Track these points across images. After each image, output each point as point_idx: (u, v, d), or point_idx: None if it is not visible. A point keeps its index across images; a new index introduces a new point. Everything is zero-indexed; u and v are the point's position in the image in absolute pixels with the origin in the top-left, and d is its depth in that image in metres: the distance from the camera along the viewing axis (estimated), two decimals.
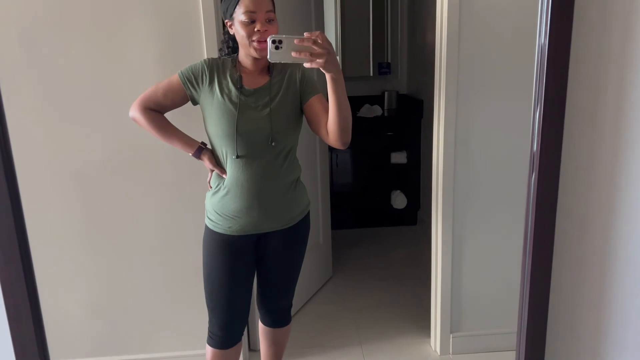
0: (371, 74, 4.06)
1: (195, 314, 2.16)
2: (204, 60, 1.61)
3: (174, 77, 1.59)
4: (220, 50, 1.71)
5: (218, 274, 1.66)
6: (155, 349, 2.23)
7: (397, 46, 4.04)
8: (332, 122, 1.49)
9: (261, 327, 1.93)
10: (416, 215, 3.91)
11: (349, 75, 3.99)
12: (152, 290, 2.17)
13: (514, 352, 2.27)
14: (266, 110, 1.56)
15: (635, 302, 0.94)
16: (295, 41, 1.30)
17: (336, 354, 2.36)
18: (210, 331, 1.74)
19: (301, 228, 1.75)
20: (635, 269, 0.87)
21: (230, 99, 1.56)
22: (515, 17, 2.01)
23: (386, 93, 3.97)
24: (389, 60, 4.05)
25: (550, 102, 0.73)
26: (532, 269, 0.79)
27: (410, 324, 2.57)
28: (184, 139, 1.66)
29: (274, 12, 1.53)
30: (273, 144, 1.58)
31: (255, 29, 1.48)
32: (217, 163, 1.63)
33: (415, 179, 3.84)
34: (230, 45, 1.66)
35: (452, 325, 2.31)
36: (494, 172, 2.15)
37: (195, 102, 1.62)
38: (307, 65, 1.34)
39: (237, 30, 1.51)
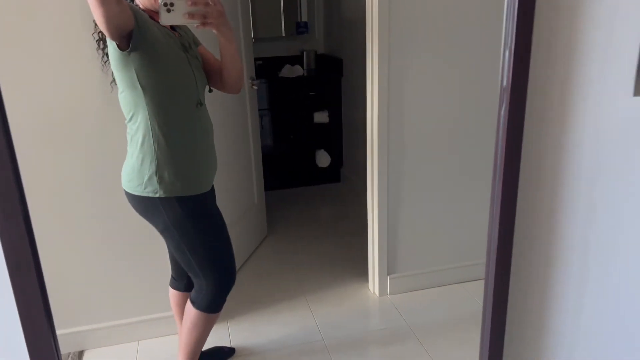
0: (283, 34, 4.05)
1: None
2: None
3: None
4: None
5: (217, 236, 1.59)
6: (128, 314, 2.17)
7: (314, 4, 4.06)
8: (229, 75, 1.57)
9: (178, 295, 1.86)
10: (339, 172, 4.06)
11: (261, 36, 3.96)
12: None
13: (444, 287, 2.52)
14: (195, 54, 1.57)
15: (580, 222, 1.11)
16: (188, 3, 1.31)
17: (282, 305, 2.45)
18: (219, 298, 1.65)
19: None
20: (581, 190, 1.03)
21: (176, 44, 1.48)
22: None
23: (305, 53, 4.00)
24: (306, 19, 4.07)
25: (520, 41, 0.84)
26: (502, 190, 0.91)
27: (347, 273, 2.71)
28: None
29: None
30: (211, 90, 1.62)
31: None
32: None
33: (337, 137, 3.96)
34: None
35: (389, 267, 2.48)
36: (426, 124, 2.29)
37: (132, 45, 1.33)
38: (199, 27, 1.37)
39: None
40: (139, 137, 1.46)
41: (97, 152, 1.95)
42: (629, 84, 1.01)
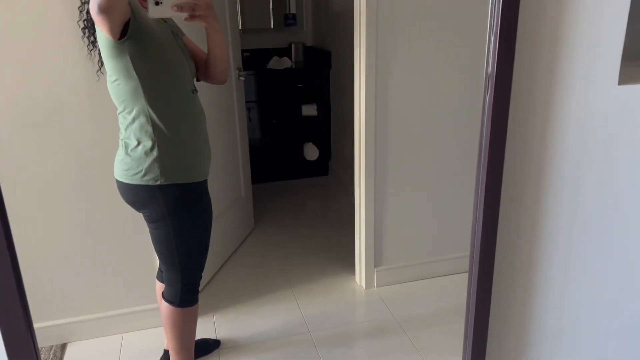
0: (272, 26, 4.02)
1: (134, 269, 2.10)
2: None
3: None
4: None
5: (206, 227, 1.58)
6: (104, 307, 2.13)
7: None
8: (215, 66, 1.57)
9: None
10: (327, 165, 4.04)
11: (249, 27, 3.93)
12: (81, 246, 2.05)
13: (430, 280, 2.52)
14: (183, 43, 1.55)
15: (563, 195, 1.11)
16: None
17: (269, 298, 2.43)
18: (194, 290, 1.63)
19: None
20: (564, 173, 1.03)
21: (167, 31, 1.46)
22: None
23: (293, 45, 3.97)
24: (294, 12, 4.04)
25: (505, 26, 0.83)
26: (486, 179, 0.90)
27: (334, 265, 2.71)
28: None
29: None
30: (199, 79, 1.60)
31: None
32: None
33: (325, 130, 3.95)
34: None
35: (376, 260, 2.48)
36: (413, 117, 2.29)
37: (129, 33, 1.32)
38: (187, 19, 1.36)
39: None
40: (137, 126, 1.43)
41: (81, 142, 1.92)
42: (614, 73, 1.00)
